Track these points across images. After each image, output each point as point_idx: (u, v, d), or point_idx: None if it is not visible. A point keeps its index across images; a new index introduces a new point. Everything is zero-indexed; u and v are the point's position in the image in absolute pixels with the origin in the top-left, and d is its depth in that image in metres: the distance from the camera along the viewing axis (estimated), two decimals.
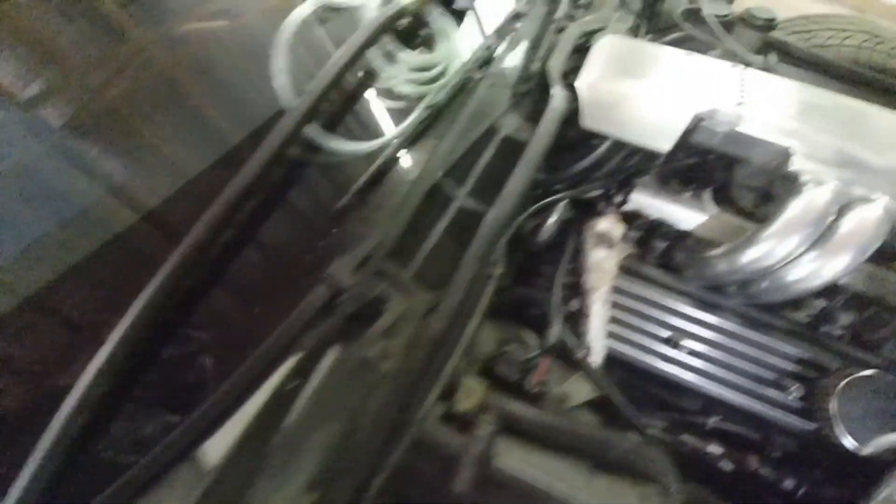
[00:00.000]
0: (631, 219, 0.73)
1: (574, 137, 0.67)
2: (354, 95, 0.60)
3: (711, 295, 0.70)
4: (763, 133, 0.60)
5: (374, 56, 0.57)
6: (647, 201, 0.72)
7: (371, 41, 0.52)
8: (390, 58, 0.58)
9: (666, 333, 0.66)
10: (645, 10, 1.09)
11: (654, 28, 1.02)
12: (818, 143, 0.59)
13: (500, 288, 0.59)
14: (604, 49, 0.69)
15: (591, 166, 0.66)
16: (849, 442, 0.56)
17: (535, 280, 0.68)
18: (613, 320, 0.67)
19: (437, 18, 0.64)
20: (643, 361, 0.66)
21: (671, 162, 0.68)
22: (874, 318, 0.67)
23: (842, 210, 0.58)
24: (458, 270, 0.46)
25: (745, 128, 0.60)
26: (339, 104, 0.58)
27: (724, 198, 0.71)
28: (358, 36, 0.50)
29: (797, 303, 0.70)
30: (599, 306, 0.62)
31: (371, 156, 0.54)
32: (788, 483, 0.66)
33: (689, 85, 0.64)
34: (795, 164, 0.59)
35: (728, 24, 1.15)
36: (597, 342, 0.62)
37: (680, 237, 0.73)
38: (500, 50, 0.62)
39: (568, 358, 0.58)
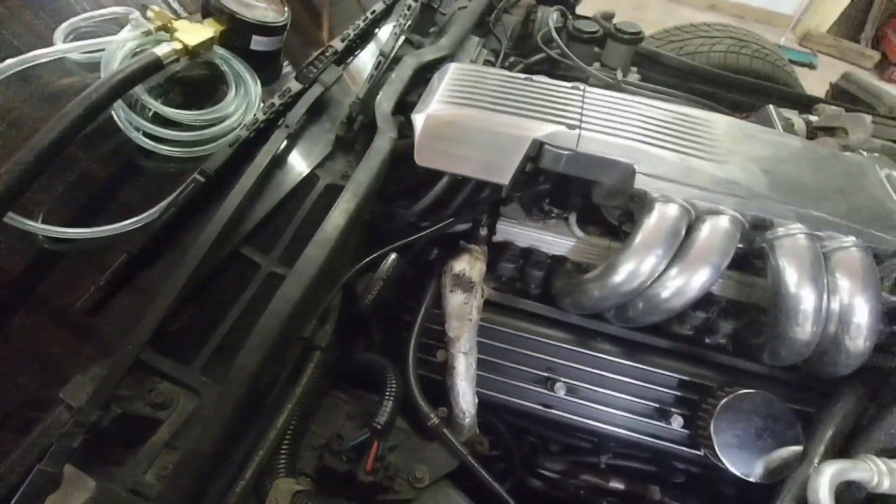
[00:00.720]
0: (501, 251, 0.69)
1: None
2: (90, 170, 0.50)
3: (591, 322, 0.66)
4: (605, 152, 0.58)
5: (122, 115, 0.48)
6: (515, 230, 0.68)
7: (103, 102, 0.42)
8: (145, 115, 0.49)
9: (543, 373, 0.61)
10: (511, 34, 1.09)
11: (523, 52, 1.02)
12: (660, 159, 0.58)
13: (343, 356, 0.52)
14: (444, 78, 0.65)
15: (432, 205, 0.60)
16: (734, 469, 0.52)
17: (396, 335, 0.61)
18: (486, 365, 0.61)
19: (228, 66, 0.56)
20: (523, 406, 0.60)
21: (519, 189, 0.64)
22: (752, 324, 0.66)
23: (693, 224, 0.56)
24: (239, 358, 0.38)
25: (587, 148, 0.58)
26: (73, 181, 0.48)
27: (588, 220, 0.68)
28: (83, 97, 0.41)
29: (679, 318, 0.68)
30: (462, 356, 0.56)
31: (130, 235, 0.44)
32: None
33: (529, 110, 0.60)
34: (641, 182, 0.56)
35: (600, 39, 1.19)
36: (464, 397, 0.55)
37: (556, 264, 0.69)
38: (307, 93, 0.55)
39: (422, 427, 0.50)
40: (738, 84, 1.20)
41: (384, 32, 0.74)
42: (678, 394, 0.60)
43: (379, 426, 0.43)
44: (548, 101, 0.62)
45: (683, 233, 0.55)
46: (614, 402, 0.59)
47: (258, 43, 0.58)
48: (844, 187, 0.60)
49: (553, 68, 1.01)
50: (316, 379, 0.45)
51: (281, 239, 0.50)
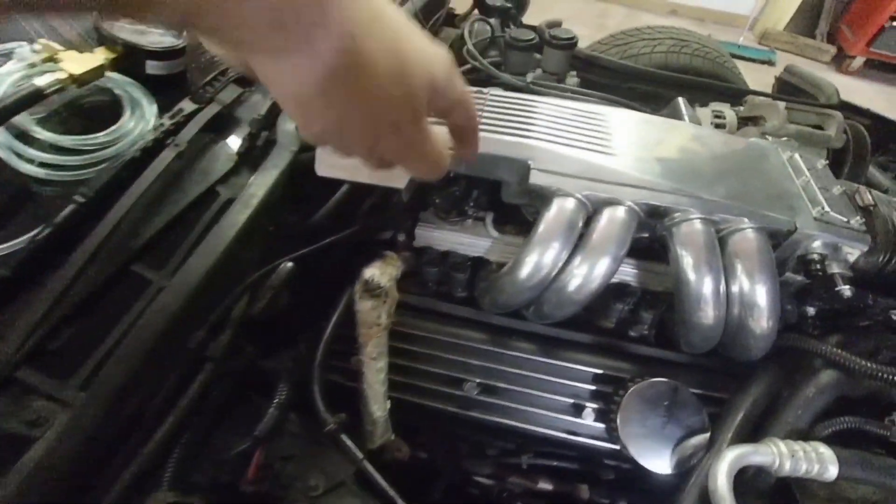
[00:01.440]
0: (422, 255, 0.69)
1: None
2: None
3: (512, 322, 0.66)
4: (501, 151, 0.59)
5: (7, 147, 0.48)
6: (433, 234, 0.68)
7: None
8: (42, 145, 0.49)
9: (459, 375, 0.60)
10: (451, 47, 1.12)
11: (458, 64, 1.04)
12: (556, 154, 0.59)
13: (241, 368, 0.51)
14: None
15: (336, 216, 0.61)
16: (642, 461, 0.52)
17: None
18: (402, 370, 0.60)
19: (122, 90, 0.57)
20: (439, 408, 0.59)
21: (434, 194, 0.65)
22: (669, 313, 0.66)
23: (592, 215, 0.57)
24: (103, 370, 0.38)
25: (483, 148, 0.59)
26: None
27: (507, 220, 0.68)
28: None
29: (601, 311, 0.68)
30: (371, 362, 0.56)
31: None
32: None
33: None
34: (537, 178, 0.57)
35: (538, 47, 1.22)
36: (374, 402, 0.55)
37: (478, 266, 0.70)
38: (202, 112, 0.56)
39: (320, 432, 0.50)
40: (673, 82, 1.23)
41: None
42: (594, 388, 0.59)
43: (260, 434, 0.42)
44: None
45: (581, 225, 0.56)
46: (530, 399, 0.59)
47: (154, 67, 0.59)
48: (742, 171, 0.61)
49: (480, 76, 1.03)
50: (210, 389, 0.45)
51: (175, 255, 0.50)
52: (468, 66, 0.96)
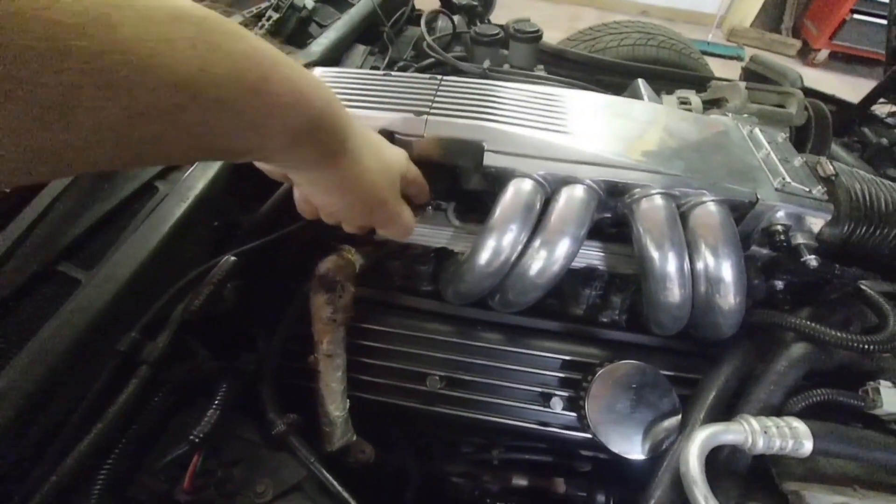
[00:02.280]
0: (382, 248, 0.66)
1: None
2: None
3: (477, 313, 0.63)
4: (453, 134, 0.57)
5: None
6: None
7: None
8: None
9: (421, 369, 0.57)
10: (415, 44, 1.11)
11: (414, 60, 1.02)
12: (511, 135, 0.57)
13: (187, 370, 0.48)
14: None
15: (284, 207, 0.58)
16: (613, 447, 0.49)
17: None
18: (362, 367, 0.57)
19: None
20: (402, 405, 0.56)
21: None
22: (638, 296, 0.64)
23: (550, 196, 0.55)
24: (6, 374, 0.34)
25: (434, 132, 0.57)
26: None
27: (464, 209, 0.66)
28: None
29: (570, 297, 0.66)
30: (327, 359, 0.53)
31: None
32: (600, 498, 0.58)
33: (382, 103, 0.60)
34: (491, 159, 0.56)
35: (503, 41, 1.21)
36: (331, 402, 0.52)
37: (442, 257, 0.67)
38: None
39: (267, 435, 0.46)
40: (640, 72, 1.23)
41: None
42: (562, 375, 0.57)
43: (196, 438, 0.39)
44: (402, 93, 0.61)
45: (539, 206, 0.54)
46: (497, 390, 0.56)
47: None
48: (702, 146, 0.60)
49: (444, 70, 1.02)
50: (148, 395, 0.41)
51: (108, 253, 0.46)
52: (430, 59, 0.95)
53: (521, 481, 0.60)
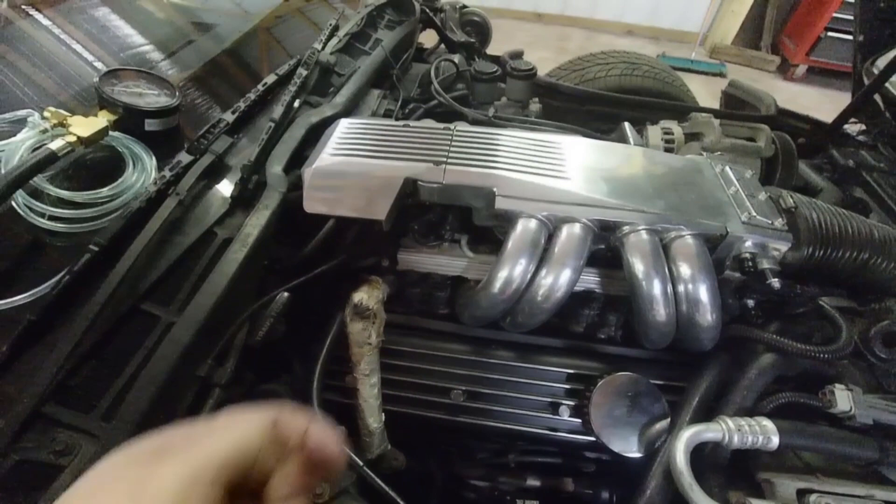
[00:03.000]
0: (404, 277, 0.75)
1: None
2: None
3: (490, 333, 0.72)
4: (468, 181, 0.66)
5: (22, 203, 0.54)
6: (413, 258, 0.75)
7: (2, 196, 0.49)
8: (51, 200, 0.55)
9: (445, 384, 0.66)
10: (421, 81, 1.21)
11: (426, 98, 1.13)
12: (516, 181, 0.66)
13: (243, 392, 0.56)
14: (333, 133, 0.73)
15: (323, 248, 0.67)
16: (613, 447, 0.58)
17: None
18: (393, 384, 0.66)
19: (124, 147, 0.63)
20: (429, 416, 0.64)
21: (412, 221, 0.72)
22: (631, 315, 0.73)
23: (553, 233, 0.65)
24: (128, 398, 0.43)
25: (451, 180, 0.66)
26: None
27: (481, 240, 0.76)
28: None
29: (570, 317, 0.75)
30: (364, 378, 0.61)
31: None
32: (605, 495, 0.66)
33: (404, 153, 0.69)
34: (501, 203, 0.65)
35: (501, 77, 1.32)
36: (369, 416, 0.60)
37: (457, 284, 0.76)
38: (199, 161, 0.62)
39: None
40: (626, 102, 1.34)
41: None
42: (568, 387, 0.66)
43: None
44: (421, 143, 0.71)
45: (543, 242, 0.63)
46: (512, 401, 0.65)
47: (152, 125, 0.65)
48: (679, 185, 0.70)
49: (448, 110, 1.12)
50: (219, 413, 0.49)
51: (180, 292, 0.55)
52: (435, 102, 1.05)
53: (534, 482, 0.68)
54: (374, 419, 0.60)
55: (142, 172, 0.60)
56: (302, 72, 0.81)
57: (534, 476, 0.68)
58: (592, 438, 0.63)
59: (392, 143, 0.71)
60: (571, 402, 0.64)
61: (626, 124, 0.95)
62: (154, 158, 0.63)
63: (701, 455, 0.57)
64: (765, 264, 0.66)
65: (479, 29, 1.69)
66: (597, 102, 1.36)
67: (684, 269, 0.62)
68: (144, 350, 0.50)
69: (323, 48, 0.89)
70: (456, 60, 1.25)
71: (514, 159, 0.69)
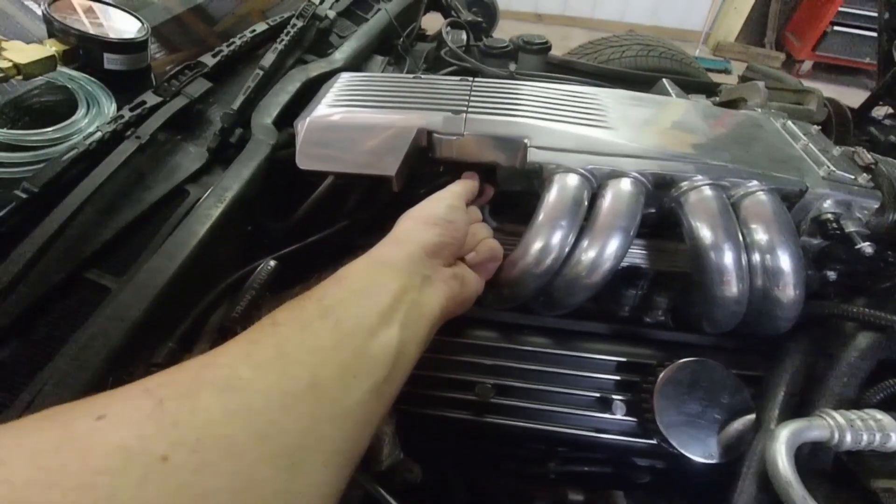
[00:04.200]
0: None
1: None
2: None
3: (520, 317, 0.60)
4: (494, 131, 0.55)
5: None
6: None
7: None
8: None
9: (469, 377, 0.54)
10: (427, 57, 1.11)
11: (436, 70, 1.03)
12: (552, 131, 0.56)
13: None
14: (333, 86, 0.63)
15: (316, 210, 0.56)
16: (687, 452, 0.46)
17: None
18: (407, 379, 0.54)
19: (76, 84, 0.52)
20: (452, 417, 0.52)
21: (424, 185, 0.61)
22: (685, 294, 0.62)
23: (597, 191, 0.54)
24: (47, 392, 0.31)
25: (474, 130, 0.55)
26: None
27: (497, 210, 0.64)
28: None
29: (613, 299, 0.64)
30: None
31: None
32: None
33: (416, 104, 0.58)
34: (534, 156, 0.54)
35: (512, 53, 1.23)
36: None
37: None
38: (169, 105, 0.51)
39: None
40: (647, 80, 1.25)
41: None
42: (618, 378, 0.54)
43: None
44: (435, 94, 0.60)
45: (586, 202, 0.52)
46: (550, 397, 0.53)
47: (112, 62, 0.54)
48: (741, 138, 0.59)
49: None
50: None
51: (141, 258, 0.43)
52: (452, 67, 0.95)
53: (576, 496, 0.56)
54: (382, 421, 0.48)
55: (97, 116, 0.49)
56: (297, 23, 0.70)
57: (576, 490, 0.56)
58: (652, 441, 0.51)
59: (401, 95, 0.60)
60: (625, 397, 0.52)
61: (666, 80, 0.85)
62: (114, 103, 0.52)
63: (797, 459, 0.45)
64: (851, 227, 0.55)
65: (486, 10, 1.60)
66: (615, 81, 1.27)
67: (760, 233, 0.51)
68: (86, 331, 0.38)
69: (321, 2, 0.79)
70: (465, 31, 1.16)
71: (545, 109, 0.58)
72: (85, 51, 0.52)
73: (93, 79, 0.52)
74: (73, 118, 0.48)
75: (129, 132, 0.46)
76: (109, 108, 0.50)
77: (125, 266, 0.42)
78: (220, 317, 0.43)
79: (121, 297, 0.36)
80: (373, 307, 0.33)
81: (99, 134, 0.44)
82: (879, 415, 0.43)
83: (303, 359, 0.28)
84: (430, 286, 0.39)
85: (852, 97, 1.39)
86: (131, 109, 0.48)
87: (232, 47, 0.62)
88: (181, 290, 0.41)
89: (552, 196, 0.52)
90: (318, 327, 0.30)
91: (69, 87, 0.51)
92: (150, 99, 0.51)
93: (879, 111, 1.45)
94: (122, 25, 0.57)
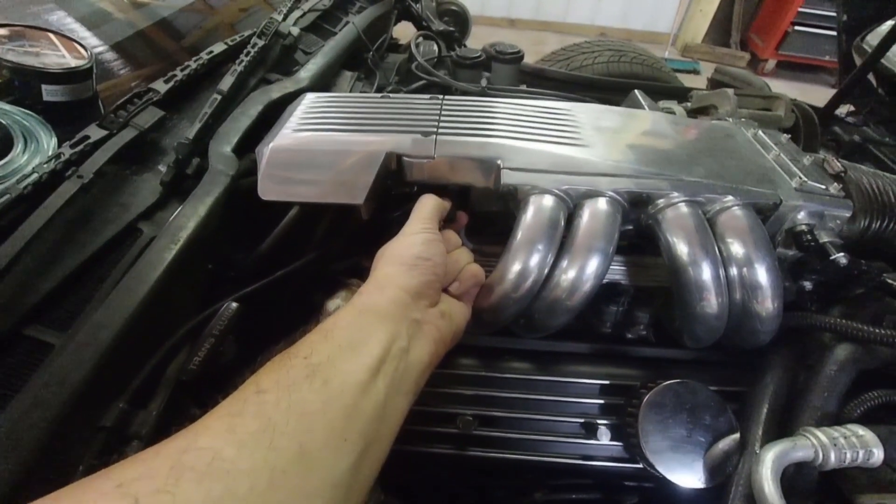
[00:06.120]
0: None
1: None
2: None
3: (500, 341, 0.59)
4: (466, 153, 0.54)
5: None
6: None
7: None
8: None
9: (449, 409, 0.52)
10: (399, 70, 1.09)
11: (407, 83, 1.01)
12: (525, 151, 0.54)
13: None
14: (297, 108, 0.60)
15: (282, 243, 0.53)
16: (672, 477, 0.45)
17: None
18: None
19: (11, 119, 0.48)
20: (431, 452, 0.50)
21: (399, 210, 0.59)
22: (665, 309, 0.61)
23: (574, 211, 0.53)
24: None
25: (445, 152, 0.54)
26: None
27: (473, 231, 0.63)
28: None
29: (594, 316, 0.63)
30: None
31: None
32: None
33: (384, 125, 0.56)
34: (508, 177, 0.52)
35: (485, 63, 1.22)
36: None
37: None
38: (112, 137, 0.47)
39: None
40: (619, 87, 1.25)
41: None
42: (602, 401, 0.53)
43: None
44: (404, 114, 0.58)
45: (563, 222, 0.51)
46: (534, 425, 0.51)
47: (52, 93, 0.50)
48: (713, 151, 0.59)
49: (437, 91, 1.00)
50: None
51: (85, 311, 0.40)
52: (421, 82, 0.93)
53: None
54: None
55: (35, 153, 0.45)
56: (258, 42, 0.67)
57: None
58: (639, 466, 0.50)
59: (370, 117, 0.58)
60: (610, 421, 0.51)
61: (638, 92, 0.85)
62: (55, 138, 0.48)
63: (783, 479, 0.45)
64: (825, 237, 0.55)
65: (458, 19, 1.59)
66: (588, 88, 1.27)
67: (737, 248, 0.50)
68: (21, 401, 0.34)
69: (284, 19, 0.76)
70: (436, 43, 1.14)
71: (518, 128, 0.57)
72: (21, 83, 0.48)
73: (30, 112, 0.48)
74: (9, 157, 0.44)
75: (69, 171, 0.43)
76: (50, 143, 0.47)
77: (71, 319, 0.39)
78: (177, 368, 0.40)
79: (61, 359, 0.33)
80: (362, 362, 0.31)
81: (35, 175, 0.41)
82: (861, 430, 0.43)
83: (290, 428, 0.26)
84: (419, 332, 0.37)
85: (815, 93, 1.44)
86: (72, 146, 0.44)
87: (187, 71, 0.58)
88: (133, 342, 0.37)
89: (528, 218, 0.51)
90: (305, 390, 0.28)
91: (3, 122, 0.46)
92: (95, 133, 0.47)
93: (842, 109, 1.50)
94: (64, 53, 0.53)
